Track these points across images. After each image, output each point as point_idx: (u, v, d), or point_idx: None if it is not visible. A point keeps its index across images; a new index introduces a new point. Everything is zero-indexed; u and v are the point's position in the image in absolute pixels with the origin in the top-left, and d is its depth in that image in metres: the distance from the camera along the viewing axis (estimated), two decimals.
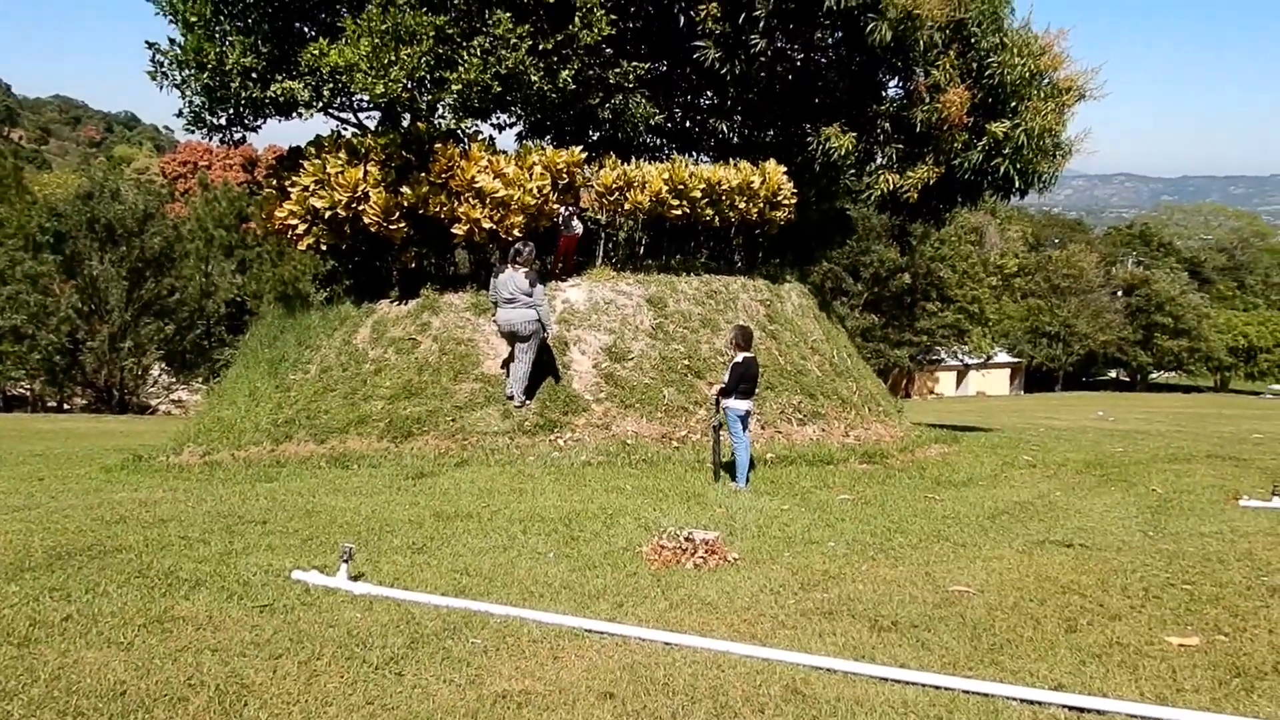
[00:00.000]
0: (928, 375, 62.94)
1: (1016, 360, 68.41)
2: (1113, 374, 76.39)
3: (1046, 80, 13.65)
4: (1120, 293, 70.69)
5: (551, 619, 4.57)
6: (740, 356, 8.91)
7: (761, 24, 12.69)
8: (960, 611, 4.84)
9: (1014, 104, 13.38)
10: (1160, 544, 6.47)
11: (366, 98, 11.12)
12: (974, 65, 13.36)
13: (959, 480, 10.03)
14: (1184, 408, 38.60)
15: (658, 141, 15.61)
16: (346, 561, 5.10)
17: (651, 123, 13.66)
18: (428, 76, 10.91)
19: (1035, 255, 74.95)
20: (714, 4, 12.89)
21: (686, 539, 5.94)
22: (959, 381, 65.94)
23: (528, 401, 10.47)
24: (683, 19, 13.72)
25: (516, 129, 14.79)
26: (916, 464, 11.05)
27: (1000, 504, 8.38)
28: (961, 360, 63.19)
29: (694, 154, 15.36)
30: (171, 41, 11.44)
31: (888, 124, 13.64)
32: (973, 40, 13.33)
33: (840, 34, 13.39)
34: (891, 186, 13.62)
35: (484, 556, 5.83)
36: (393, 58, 10.23)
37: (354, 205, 11.02)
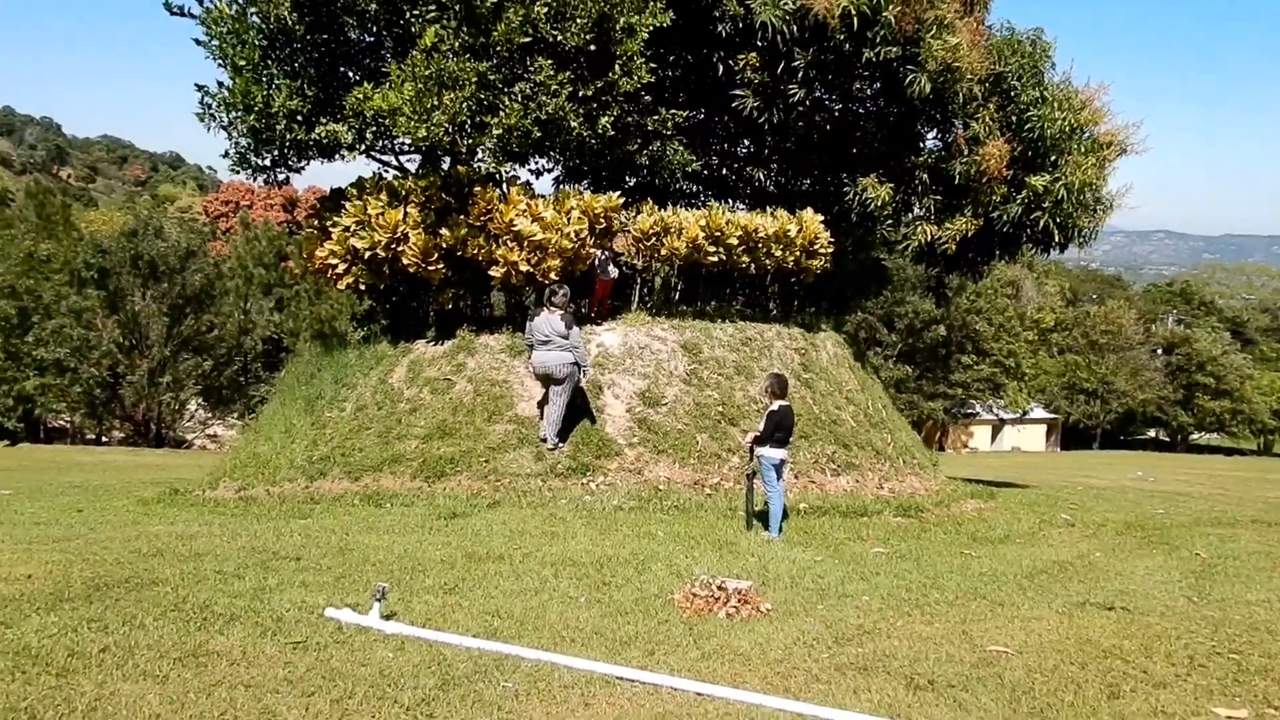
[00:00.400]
0: (962, 429, 62.02)
1: (1053, 416, 67.29)
2: (1152, 433, 74.76)
3: (1087, 134, 13.65)
4: (1160, 351, 69.44)
5: (583, 665, 4.53)
6: (776, 404, 8.86)
7: (800, 74, 12.80)
8: (998, 672, 4.72)
9: (1054, 158, 13.38)
10: (1205, 610, 6.29)
11: (408, 141, 11.32)
12: (1013, 118, 13.40)
13: (996, 537, 9.84)
14: (1226, 471, 37.66)
15: (694, 188, 15.74)
16: (379, 600, 5.09)
17: (689, 169, 13.77)
18: (469, 121, 11.12)
19: (1073, 310, 74.08)
20: (753, 54, 13.05)
21: (719, 587, 5.87)
22: (994, 436, 64.97)
23: (561, 444, 10.48)
24: (721, 68, 13.90)
25: (554, 173, 15.03)
26: (952, 519, 10.87)
27: (1038, 563, 8.20)
28: (996, 415, 62.24)
29: (730, 201, 15.46)
30: (220, 85, 11.75)
31: (926, 175, 13.68)
32: (1012, 93, 13.39)
33: (879, 85, 13.48)
34: (929, 238, 13.61)
35: (515, 599, 5.80)
36: (435, 103, 10.45)
37: (393, 246, 11.19)
